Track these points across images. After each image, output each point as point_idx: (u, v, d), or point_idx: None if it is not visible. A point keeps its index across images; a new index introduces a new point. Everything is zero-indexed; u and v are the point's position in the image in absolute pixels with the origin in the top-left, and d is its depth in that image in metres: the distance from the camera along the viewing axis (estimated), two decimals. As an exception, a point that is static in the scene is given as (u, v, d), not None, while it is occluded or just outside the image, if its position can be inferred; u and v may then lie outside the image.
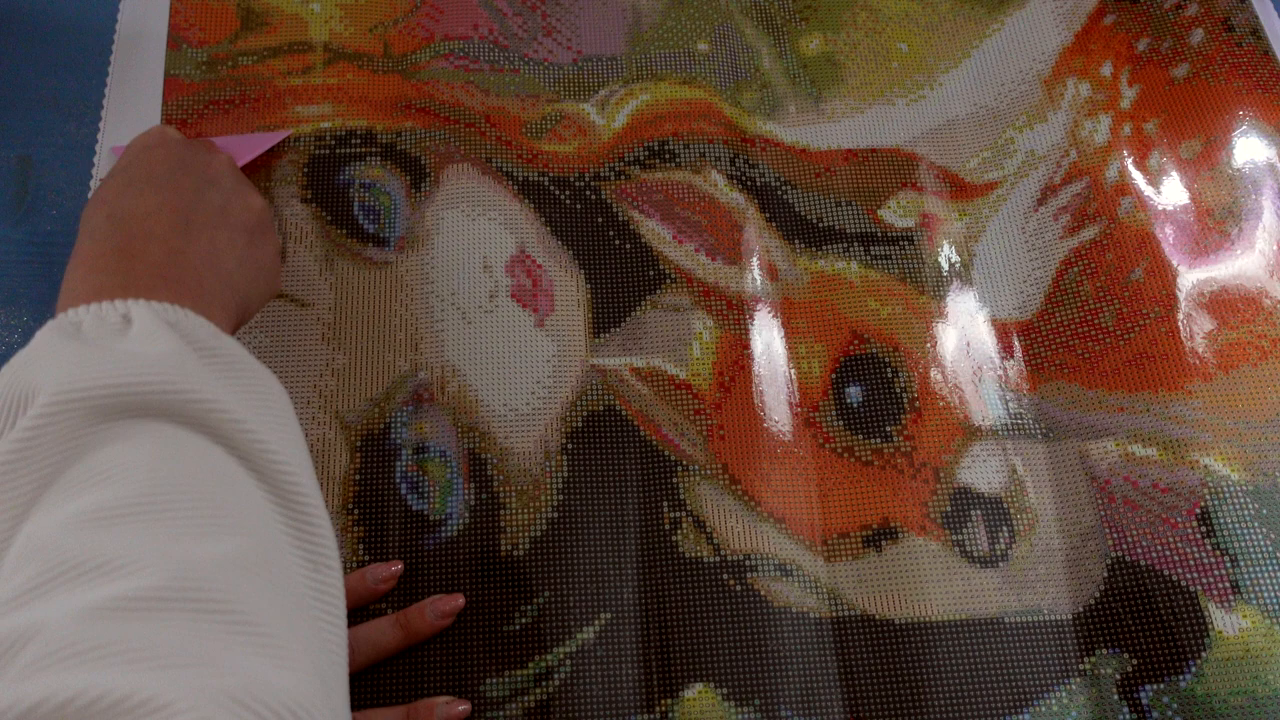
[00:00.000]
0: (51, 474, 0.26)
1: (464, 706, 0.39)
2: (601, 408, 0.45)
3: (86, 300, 0.31)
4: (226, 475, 0.27)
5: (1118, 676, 0.41)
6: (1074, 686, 0.41)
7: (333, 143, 0.49)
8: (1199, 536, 0.43)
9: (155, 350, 0.29)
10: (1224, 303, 0.47)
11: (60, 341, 0.28)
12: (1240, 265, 0.48)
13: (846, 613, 0.42)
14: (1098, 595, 0.42)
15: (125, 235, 0.34)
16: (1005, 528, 0.43)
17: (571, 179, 0.49)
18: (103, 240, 0.33)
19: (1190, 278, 0.47)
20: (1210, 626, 0.41)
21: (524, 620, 0.41)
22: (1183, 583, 0.42)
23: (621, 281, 0.47)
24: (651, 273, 0.48)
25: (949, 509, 0.44)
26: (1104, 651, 0.41)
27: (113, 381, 0.27)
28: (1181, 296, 0.47)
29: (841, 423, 0.45)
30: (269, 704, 0.22)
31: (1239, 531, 0.43)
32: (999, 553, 0.43)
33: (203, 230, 0.36)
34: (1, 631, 0.23)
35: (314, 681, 0.25)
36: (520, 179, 0.49)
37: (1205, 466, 0.44)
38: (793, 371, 0.46)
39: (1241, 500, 0.43)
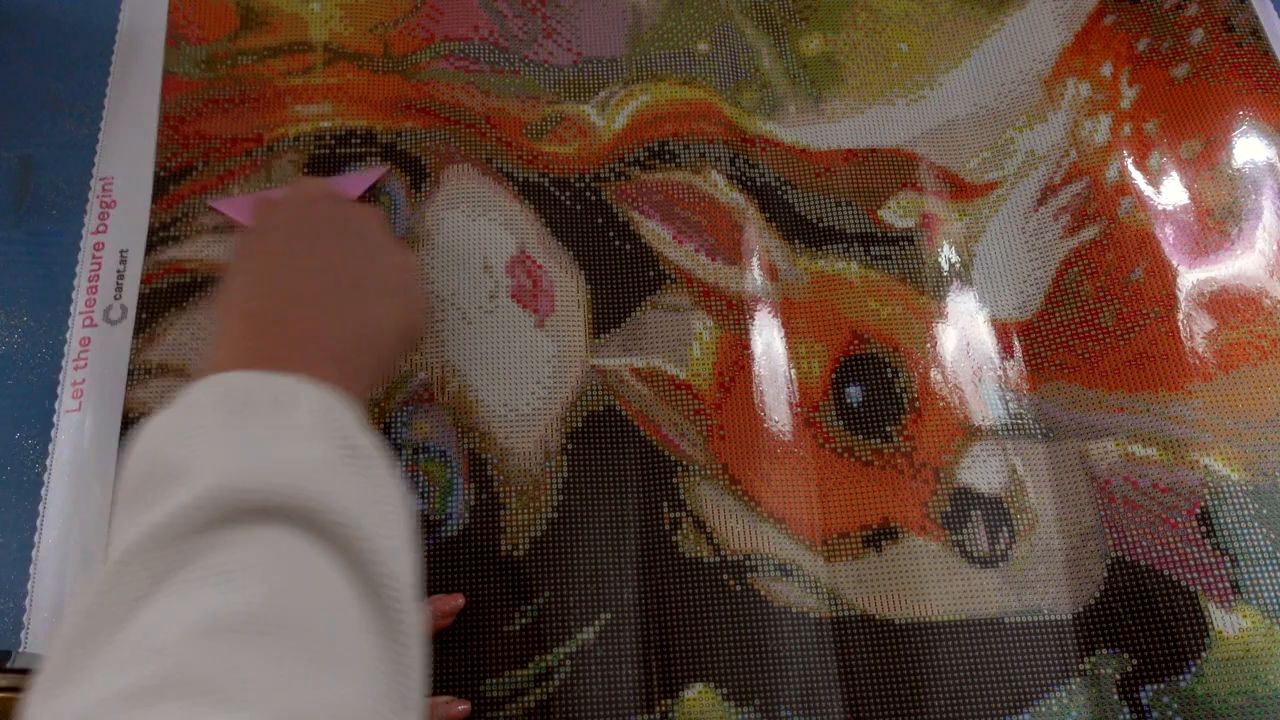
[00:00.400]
0: (184, 560, 0.26)
1: (464, 706, 0.39)
2: (601, 408, 0.45)
3: (247, 363, 0.31)
4: (341, 600, 0.28)
5: (1118, 676, 0.41)
6: (1074, 686, 0.41)
7: (333, 142, 0.49)
8: (1199, 536, 0.43)
9: (310, 452, 0.29)
10: (1224, 303, 0.47)
11: (224, 416, 0.29)
12: (1240, 265, 0.48)
13: (846, 613, 0.42)
14: (1098, 595, 0.42)
15: (286, 298, 0.34)
16: (1005, 528, 0.43)
17: (572, 180, 0.49)
18: (264, 299, 0.33)
19: (1190, 278, 0.47)
20: (1210, 626, 0.41)
21: (524, 620, 0.41)
22: (1183, 583, 0.42)
23: (621, 282, 0.47)
24: (651, 273, 0.48)
25: (949, 509, 0.44)
26: (1104, 651, 0.41)
27: (267, 484, 0.27)
28: (1181, 296, 0.47)
29: (841, 423, 0.45)
30: None
31: (1239, 531, 0.43)
32: (999, 553, 0.43)
33: (359, 295, 0.36)
34: None
35: None
36: (520, 180, 0.49)
37: (1205, 466, 0.44)
38: (793, 371, 0.46)
39: (1241, 500, 0.43)
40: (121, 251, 0.47)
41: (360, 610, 0.28)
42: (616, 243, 0.48)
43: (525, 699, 0.40)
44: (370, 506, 0.30)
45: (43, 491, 0.42)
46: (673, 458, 0.44)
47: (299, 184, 0.41)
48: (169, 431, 0.29)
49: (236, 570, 0.26)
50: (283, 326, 0.33)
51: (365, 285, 0.36)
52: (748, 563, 0.42)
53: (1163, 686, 0.40)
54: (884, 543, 0.43)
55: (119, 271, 0.46)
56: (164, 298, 0.46)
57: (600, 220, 0.49)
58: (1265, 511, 0.43)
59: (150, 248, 0.47)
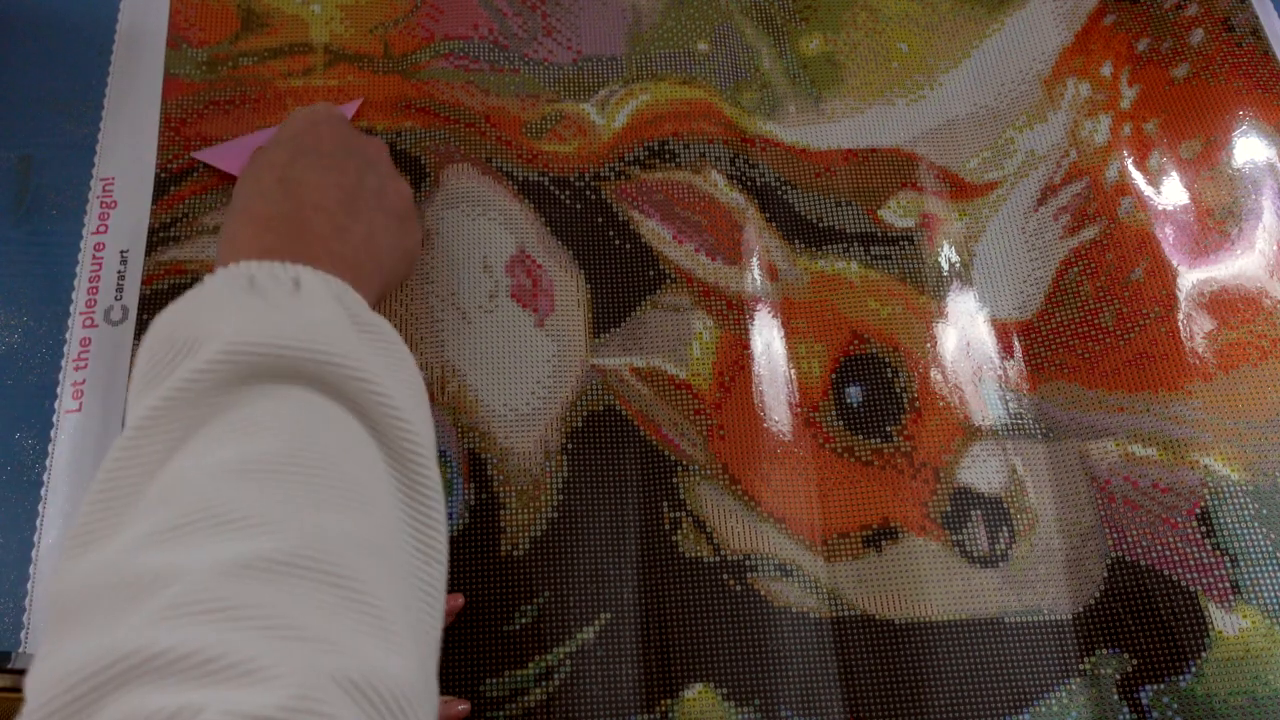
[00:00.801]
0: (204, 418, 0.27)
1: (464, 706, 0.39)
2: (601, 408, 0.45)
3: (256, 257, 0.32)
4: (362, 453, 0.28)
5: (1118, 676, 0.41)
6: (1074, 686, 0.41)
7: (333, 143, 0.49)
8: (1199, 536, 0.43)
9: (320, 316, 0.30)
10: (1224, 303, 0.47)
11: (233, 293, 0.30)
12: (1240, 265, 0.48)
13: (846, 613, 0.42)
14: (1098, 595, 0.42)
15: (296, 203, 0.35)
16: (1005, 528, 0.43)
17: (571, 179, 0.49)
18: (274, 203, 0.35)
19: (1190, 278, 0.47)
20: (1210, 626, 0.41)
21: (524, 620, 0.41)
22: (1183, 583, 0.42)
23: (622, 281, 0.47)
24: (651, 273, 0.48)
25: (949, 509, 0.44)
26: (1104, 651, 0.41)
27: (281, 341, 0.28)
28: (1181, 296, 0.47)
29: (841, 423, 0.45)
30: (377, 689, 0.24)
31: (1239, 531, 0.43)
32: (999, 553, 0.43)
33: (363, 211, 0.37)
34: (140, 568, 0.24)
35: (418, 671, 0.26)
36: (520, 179, 0.49)
37: (1205, 466, 0.44)
38: (793, 371, 0.46)
39: (1241, 500, 0.43)
40: (122, 252, 0.47)
41: (380, 464, 0.29)
42: (616, 242, 0.48)
43: (525, 699, 0.40)
44: (384, 368, 0.30)
45: (43, 491, 0.42)
46: (673, 457, 0.44)
47: (313, 106, 0.42)
48: (180, 315, 0.30)
49: (259, 422, 0.27)
50: (292, 228, 0.34)
51: (369, 202, 0.38)
52: (747, 563, 0.42)
53: (1163, 686, 0.40)
54: (884, 543, 0.43)
55: (119, 272, 0.46)
56: (165, 299, 0.46)
57: (600, 219, 0.49)
58: (1265, 511, 0.43)
59: (151, 248, 0.47)
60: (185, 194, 0.48)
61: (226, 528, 0.25)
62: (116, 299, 0.46)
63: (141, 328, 0.45)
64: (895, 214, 0.50)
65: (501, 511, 0.43)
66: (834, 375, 0.46)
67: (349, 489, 0.27)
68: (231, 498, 0.25)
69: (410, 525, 0.29)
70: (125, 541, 0.25)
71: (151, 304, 0.46)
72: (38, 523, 0.42)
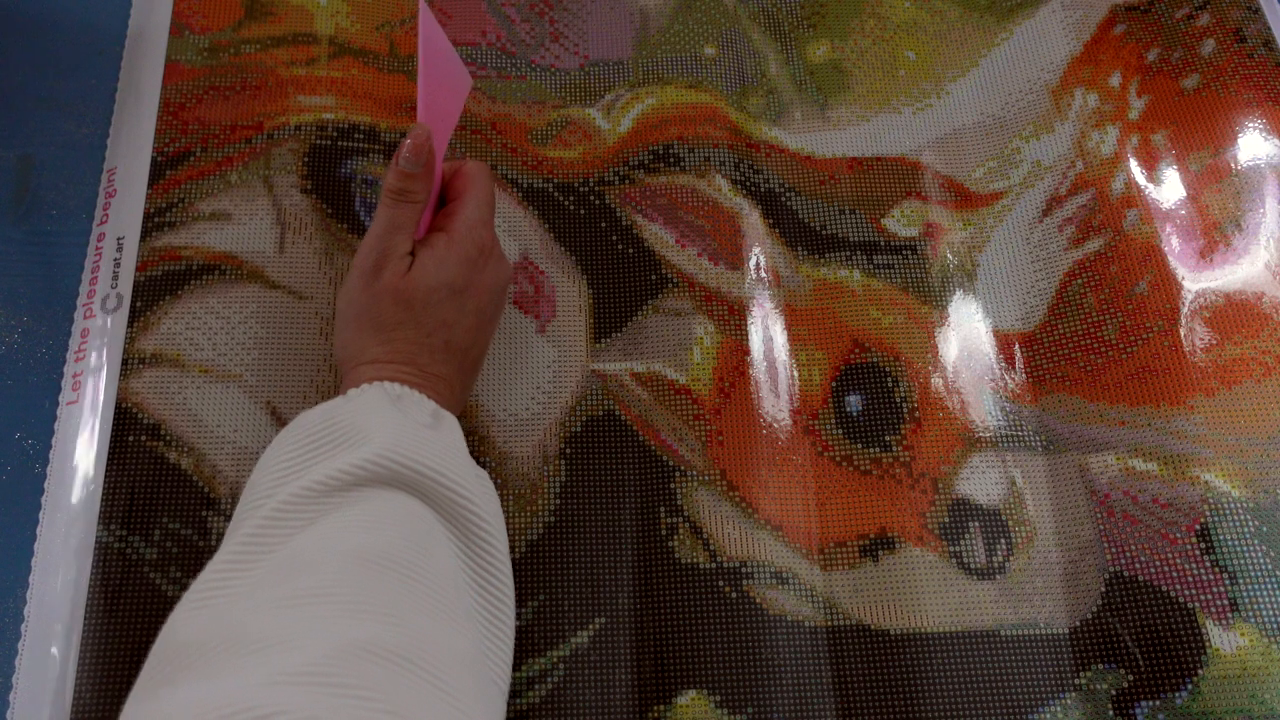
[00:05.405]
0: (340, 504, 0.33)
1: None
2: (601, 413, 0.45)
3: (406, 381, 0.38)
4: (451, 561, 0.34)
5: (1113, 692, 0.41)
6: (1069, 701, 0.41)
7: (334, 134, 0.49)
8: (1198, 553, 0.42)
9: (452, 448, 0.37)
10: (1228, 318, 0.47)
11: (390, 406, 0.36)
12: (1245, 280, 0.47)
13: (842, 622, 0.42)
14: (1095, 610, 0.42)
15: (457, 362, 0.40)
16: (1003, 540, 0.43)
17: (576, 184, 0.49)
18: (439, 355, 0.40)
19: (1195, 291, 0.47)
20: (1207, 644, 0.41)
21: (518, 623, 0.41)
22: (1181, 599, 0.42)
23: (623, 286, 0.47)
24: (654, 277, 0.48)
25: (947, 520, 0.44)
26: (1100, 666, 0.41)
27: (426, 463, 0.34)
28: (1185, 310, 0.47)
29: (841, 431, 0.45)
30: None
31: (1238, 548, 0.42)
32: (996, 565, 0.43)
33: (482, 360, 0.43)
34: (265, 629, 0.28)
35: None
36: (525, 186, 0.49)
37: (1206, 482, 0.43)
38: (793, 378, 0.46)
39: (1242, 517, 0.43)
40: (119, 239, 0.46)
41: (466, 571, 0.35)
42: (619, 247, 0.48)
43: (518, 702, 0.40)
44: (483, 496, 0.37)
45: (45, 484, 0.42)
46: (671, 463, 0.44)
47: (495, 254, 0.42)
48: (348, 408, 0.36)
49: (380, 520, 0.33)
50: (448, 378, 0.40)
51: (485, 348, 0.42)
52: (744, 570, 0.42)
53: (1158, 703, 0.40)
54: (881, 552, 0.43)
55: (115, 259, 0.46)
56: (159, 285, 0.45)
57: (604, 224, 0.48)
58: (1265, 529, 0.43)
59: (146, 233, 0.46)
60: (182, 178, 0.47)
61: (347, 610, 0.29)
62: (112, 287, 0.46)
63: (136, 315, 0.45)
64: (899, 223, 0.49)
65: (499, 515, 0.43)
66: (834, 383, 0.46)
67: (439, 595, 0.32)
68: (353, 585, 0.30)
69: (484, 626, 0.35)
70: (255, 602, 0.29)
71: (146, 291, 0.45)
72: (40, 515, 0.42)
